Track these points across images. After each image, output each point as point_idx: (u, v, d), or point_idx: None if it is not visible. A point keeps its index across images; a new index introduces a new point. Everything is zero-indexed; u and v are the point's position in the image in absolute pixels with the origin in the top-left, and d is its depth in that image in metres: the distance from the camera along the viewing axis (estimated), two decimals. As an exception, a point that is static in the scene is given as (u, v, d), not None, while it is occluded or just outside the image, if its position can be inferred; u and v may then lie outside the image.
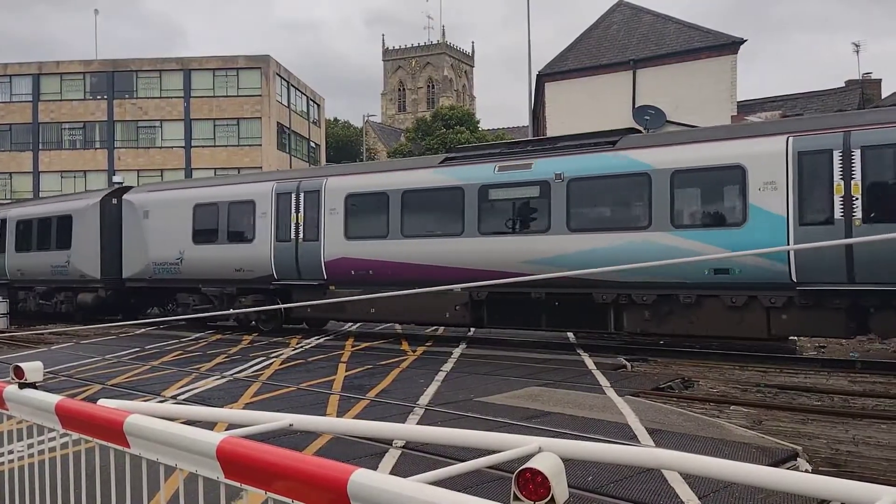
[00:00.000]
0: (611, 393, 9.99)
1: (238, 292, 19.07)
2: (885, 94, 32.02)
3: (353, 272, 16.77)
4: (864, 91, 29.47)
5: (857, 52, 44.53)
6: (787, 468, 6.53)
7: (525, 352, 14.61)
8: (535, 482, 1.78)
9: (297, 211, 17.88)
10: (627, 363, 12.90)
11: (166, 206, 20.53)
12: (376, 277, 16.22)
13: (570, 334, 16.83)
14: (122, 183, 39.29)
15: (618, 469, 5.95)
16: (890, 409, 9.25)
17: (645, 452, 2.40)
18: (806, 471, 6.58)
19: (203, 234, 19.58)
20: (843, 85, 31.35)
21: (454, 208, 15.49)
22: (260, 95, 54.42)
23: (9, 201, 41.44)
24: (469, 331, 18.15)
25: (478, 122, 74.34)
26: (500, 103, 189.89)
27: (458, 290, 14.11)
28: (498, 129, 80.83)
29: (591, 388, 10.42)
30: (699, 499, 5.43)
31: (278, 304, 17.13)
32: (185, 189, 21.18)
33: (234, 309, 18.46)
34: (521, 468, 1.83)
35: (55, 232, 23.42)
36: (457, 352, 14.62)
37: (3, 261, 25.53)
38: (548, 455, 1.90)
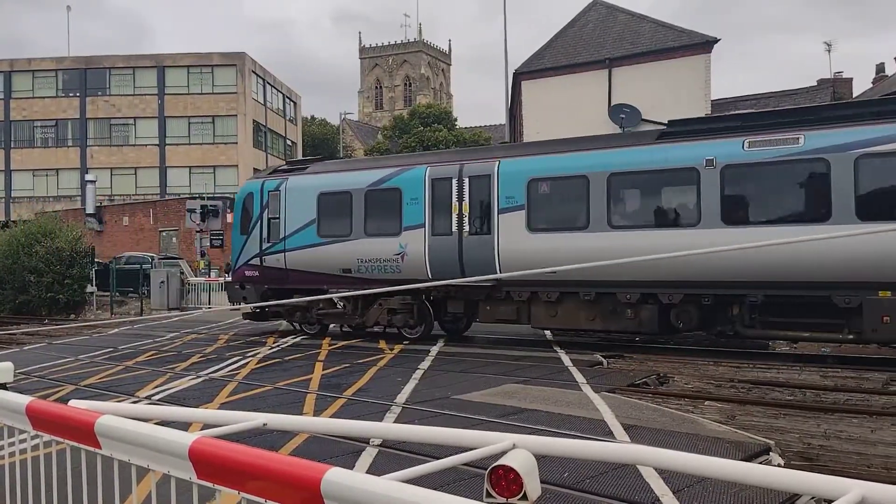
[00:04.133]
0: (587, 389, 10.05)
1: None
2: (856, 92, 32.51)
3: None
4: (835, 90, 29.88)
5: (829, 51, 45.22)
6: (760, 462, 6.61)
7: (502, 349, 14.65)
8: (507, 479, 1.79)
9: None
10: (603, 360, 12.98)
11: None
12: None
13: (548, 332, 16.84)
14: (94, 181, 38.66)
15: (594, 465, 5.99)
16: (860, 404, 9.40)
17: (618, 448, 2.42)
18: (778, 465, 6.66)
19: None
20: (815, 84, 31.77)
21: None
22: (235, 93, 54.04)
23: None
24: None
25: (455, 120, 74.38)
26: (477, 101, 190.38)
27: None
28: (476, 126, 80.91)
29: (568, 385, 10.47)
30: (673, 493, 5.49)
31: None
32: None
33: None
34: (494, 465, 1.83)
35: None
36: (434, 349, 14.63)
37: None
38: (520, 452, 1.91)
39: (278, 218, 17.39)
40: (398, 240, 15.65)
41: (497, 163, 14.81)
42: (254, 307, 17.10)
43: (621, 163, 13.53)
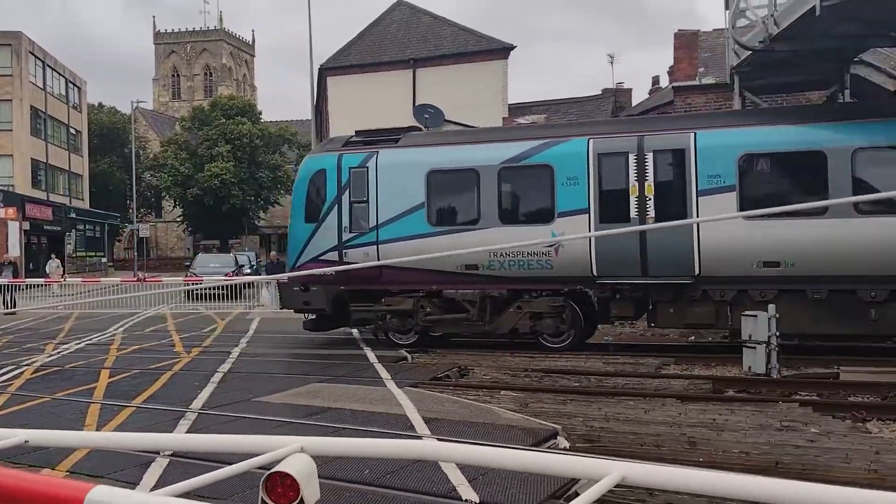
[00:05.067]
0: (391, 385, 10.18)
1: None
2: (634, 101, 35.52)
3: None
4: (616, 99, 32.45)
5: (612, 63, 49.04)
6: (548, 447, 7.05)
7: (307, 349, 14.45)
8: (283, 485, 1.76)
9: None
10: (408, 355, 13.21)
11: None
12: None
13: (355, 331, 16.51)
14: None
15: (395, 461, 6.07)
16: (636, 387, 10.30)
17: (406, 445, 2.46)
18: (564, 448, 7.13)
19: None
20: (600, 93, 34.35)
21: None
22: (10, 75, 48.84)
23: None
24: (248, 330, 17.44)
25: (260, 113, 72.21)
26: (282, 95, 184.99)
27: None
28: (281, 121, 79.10)
29: (372, 381, 10.56)
30: (469, 482, 5.70)
31: None
32: None
33: None
34: (270, 472, 1.79)
35: None
36: (235, 351, 14.14)
37: None
38: (299, 457, 1.88)
39: (366, 201, 14.06)
40: (550, 227, 12.85)
41: (692, 134, 12.37)
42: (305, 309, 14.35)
43: (867, 137, 11.65)
